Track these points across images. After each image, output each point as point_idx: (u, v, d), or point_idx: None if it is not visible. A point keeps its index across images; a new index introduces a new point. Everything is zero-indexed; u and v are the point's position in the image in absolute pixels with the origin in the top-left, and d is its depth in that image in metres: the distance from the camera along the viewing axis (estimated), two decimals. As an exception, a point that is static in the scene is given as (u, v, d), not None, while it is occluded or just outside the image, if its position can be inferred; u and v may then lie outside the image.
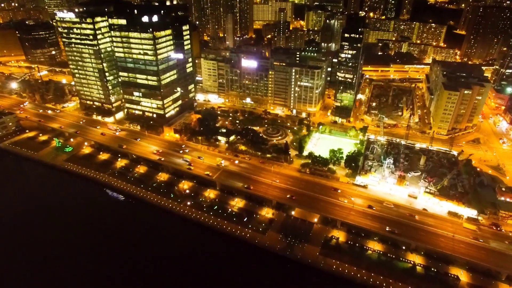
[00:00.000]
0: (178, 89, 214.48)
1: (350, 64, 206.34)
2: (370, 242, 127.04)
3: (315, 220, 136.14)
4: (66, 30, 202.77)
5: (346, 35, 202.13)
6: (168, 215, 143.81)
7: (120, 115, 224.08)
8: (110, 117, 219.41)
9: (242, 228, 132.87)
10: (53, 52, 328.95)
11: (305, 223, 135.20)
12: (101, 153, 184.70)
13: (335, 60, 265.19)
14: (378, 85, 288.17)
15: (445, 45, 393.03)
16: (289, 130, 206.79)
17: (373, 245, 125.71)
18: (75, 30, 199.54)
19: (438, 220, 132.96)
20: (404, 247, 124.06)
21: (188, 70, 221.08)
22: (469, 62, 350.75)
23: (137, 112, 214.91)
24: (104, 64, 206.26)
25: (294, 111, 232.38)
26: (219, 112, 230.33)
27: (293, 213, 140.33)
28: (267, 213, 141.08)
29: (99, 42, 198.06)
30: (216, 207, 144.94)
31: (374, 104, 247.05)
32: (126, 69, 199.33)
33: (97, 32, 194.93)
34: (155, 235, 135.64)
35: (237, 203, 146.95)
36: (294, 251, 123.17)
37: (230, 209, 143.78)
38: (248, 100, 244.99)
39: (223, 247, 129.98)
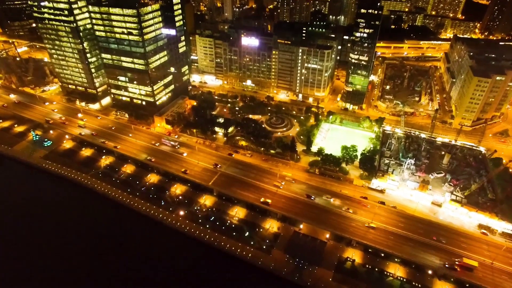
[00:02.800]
0: (172, 69, 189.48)
1: (366, 44, 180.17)
2: (391, 264, 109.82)
3: (327, 236, 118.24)
4: (36, 3, 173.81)
5: (362, 10, 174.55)
6: (158, 227, 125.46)
7: (107, 100, 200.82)
8: (95, 103, 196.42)
9: (243, 246, 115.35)
10: (34, 25, 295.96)
11: (315, 241, 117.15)
12: (83, 148, 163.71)
13: (345, 37, 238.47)
14: (392, 64, 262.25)
15: (463, 17, 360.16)
16: (295, 120, 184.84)
17: (394, 268, 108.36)
18: (47, 4, 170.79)
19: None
20: (430, 272, 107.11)
21: (181, 49, 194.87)
22: (491, 37, 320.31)
23: (124, 98, 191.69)
24: (85, 44, 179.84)
25: (300, 95, 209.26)
26: (216, 97, 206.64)
27: (301, 226, 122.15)
28: (271, 226, 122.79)
29: (77, 18, 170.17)
30: (213, 218, 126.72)
31: (388, 87, 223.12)
32: (108, 50, 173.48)
33: (73, 6, 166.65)
34: (142, 249, 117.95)
35: (237, 213, 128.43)
36: (304, 276, 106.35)
37: (229, 221, 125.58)
38: (249, 82, 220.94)
39: (221, 268, 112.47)
